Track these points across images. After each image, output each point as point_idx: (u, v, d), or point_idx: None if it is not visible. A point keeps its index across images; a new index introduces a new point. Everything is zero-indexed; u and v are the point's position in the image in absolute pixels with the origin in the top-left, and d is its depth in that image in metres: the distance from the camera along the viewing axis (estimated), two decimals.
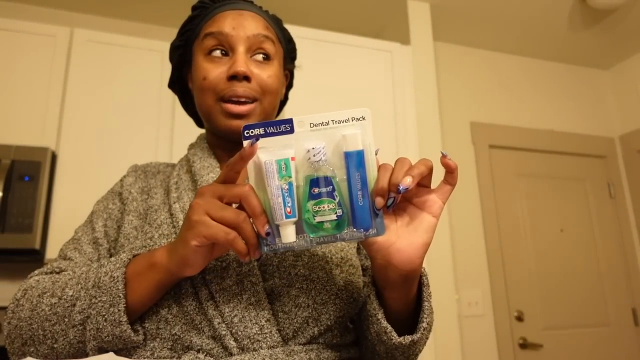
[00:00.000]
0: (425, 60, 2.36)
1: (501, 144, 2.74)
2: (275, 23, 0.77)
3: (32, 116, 1.92)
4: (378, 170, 0.51)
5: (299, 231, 0.51)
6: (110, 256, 0.68)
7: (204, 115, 0.72)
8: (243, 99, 0.68)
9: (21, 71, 1.96)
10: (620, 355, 2.65)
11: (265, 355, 0.56)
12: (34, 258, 1.89)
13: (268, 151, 0.50)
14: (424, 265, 0.59)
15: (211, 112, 0.70)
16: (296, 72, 1.87)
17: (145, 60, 2.13)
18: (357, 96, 2.11)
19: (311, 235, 0.51)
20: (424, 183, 0.54)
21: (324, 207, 0.50)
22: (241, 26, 0.70)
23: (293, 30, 2.02)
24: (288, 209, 0.49)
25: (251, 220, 0.51)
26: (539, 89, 2.97)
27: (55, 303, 0.58)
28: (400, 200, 0.54)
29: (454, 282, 2.17)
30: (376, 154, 0.52)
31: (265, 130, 0.50)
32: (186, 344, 0.58)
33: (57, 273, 0.65)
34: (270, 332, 0.58)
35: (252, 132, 0.50)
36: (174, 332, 0.58)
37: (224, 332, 0.57)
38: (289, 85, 0.85)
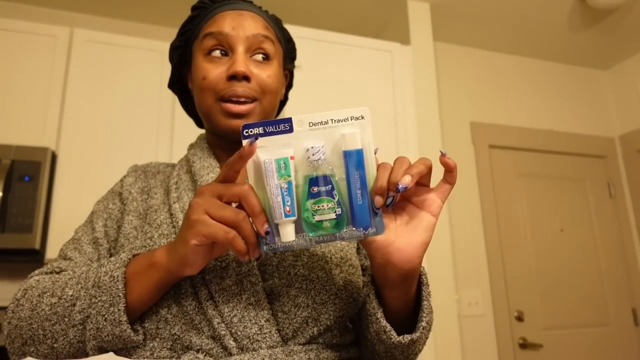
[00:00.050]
0: (425, 60, 2.36)
1: (501, 144, 2.74)
2: (275, 23, 0.77)
3: (32, 116, 1.92)
4: (377, 169, 0.51)
5: (298, 230, 0.51)
6: (111, 256, 0.68)
7: (203, 115, 0.72)
8: (243, 99, 0.68)
9: (21, 71, 1.96)
10: (620, 355, 2.65)
11: (265, 355, 0.56)
12: (34, 258, 1.89)
13: (267, 150, 0.50)
14: (423, 265, 0.59)
15: (211, 112, 0.70)
16: (296, 72, 1.86)
17: (145, 60, 2.13)
18: (357, 96, 2.11)
19: (310, 234, 0.51)
20: (423, 182, 0.54)
21: (323, 206, 0.50)
22: (241, 26, 0.70)
23: (293, 30, 2.02)
24: (287, 208, 0.49)
25: (251, 220, 0.51)
26: (539, 89, 2.97)
27: (55, 303, 0.58)
28: (399, 200, 0.54)
29: (454, 282, 2.17)
30: (375, 153, 0.52)
31: (264, 130, 0.50)
32: (186, 344, 0.58)
33: (57, 273, 0.65)
34: (270, 332, 0.58)
35: (251, 131, 0.50)
36: (173, 332, 0.58)
37: (223, 332, 0.57)
38: (289, 85, 0.85)
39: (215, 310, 0.58)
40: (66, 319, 0.57)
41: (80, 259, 0.68)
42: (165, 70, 2.12)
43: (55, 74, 1.99)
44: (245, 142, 0.50)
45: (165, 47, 2.14)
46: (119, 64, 2.09)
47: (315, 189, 0.50)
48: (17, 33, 1.99)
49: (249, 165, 0.51)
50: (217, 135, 0.74)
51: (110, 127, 2.01)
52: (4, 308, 1.82)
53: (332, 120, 0.51)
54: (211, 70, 0.69)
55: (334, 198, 0.50)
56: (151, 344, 0.59)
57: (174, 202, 0.67)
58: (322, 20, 2.56)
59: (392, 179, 0.50)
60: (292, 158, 0.50)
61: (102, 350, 0.57)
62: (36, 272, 0.67)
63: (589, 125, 3.02)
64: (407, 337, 0.57)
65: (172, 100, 2.11)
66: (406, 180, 0.49)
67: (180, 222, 0.64)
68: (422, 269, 0.59)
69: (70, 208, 1.87)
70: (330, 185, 0.50)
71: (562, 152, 2.87)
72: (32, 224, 1.77)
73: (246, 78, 0.68)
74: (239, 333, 0.57)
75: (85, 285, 0.58)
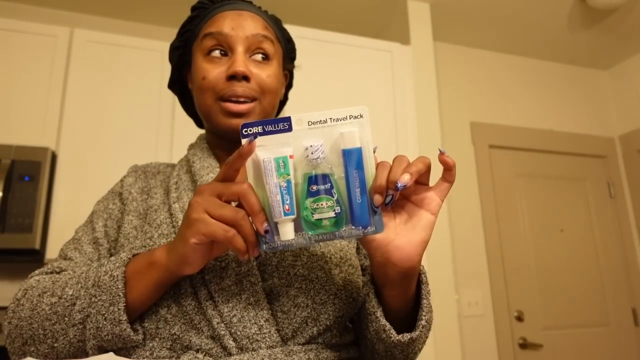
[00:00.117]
0: (425, 60, 2.36)
1: (501, 144, 2.74)
2: (275, 23, 0.77)
3: (32, 116, 1.92)
4: (376, 168, 0.52)
5: (297, 229, 0.51)
6: (111, 256, 0.69)
7: (203, 114, 0.72)
8: (242, 99, 0.68)
9: (21, 71, 1.96)
10: (620, 355, 2.65)
11: (264, 355, 0.56)
12: (34, 258, 1.89)
13: (266, 149, 0.50)
14: (422, 264, 0.59)
15: (211, 112, 0.70)
16: (296, 72, 1.86)
17: (145, 60, 2.13)
18: (357, 96, 2.11)
19: (309, 233, 0.51)
20: (422, 180, 0.54)
21: (322, 205, 0.50)
22: (240, 26, 0.70)
23: (293, 30, 2.02)
24: (286, 207, 0.49)
25: (250, 219, 0.51)
26: (539, 89, 2.97)
27: (55, 302, 0.58)
28: (398, 198, 0.54)
29: (454, 282, 2.17)
30: (374, 152, 0.52)
31: (263, 129, 0.51)
32: (185, 344, 0.58)
33: (58, 273, 0.66)
34: (269, 332, 0.58)
35: (250, 130, 0.51)
36: (173, 331, 0.58)
37: (223, 332, 0.57)
38: (289, 85, 0.85)
39: (215, 310, 0.58)
40: (66, 319, 0.57)
41: (80, 259, 0.68)
42: (165, 70, 2.12)
43: (55, 74, 1.99)
44: (244, 141, 0.50)
45: (165, 47, 2.14)
46: (119, 64, 2.09)
47: (314, 187, 0.50)
48: (17, 33, 1.99)
49: (249, 164, 0.51)
50: (217, 135, 0.74)
51: (110, 127, 2.01)
52: (4, 308, 1.83)
53: (331, 119, 0.51)
54: (211, 70, 0.69)
55: (333, 196, 0.50)
56: (151, 344, 0.59)
57: (174, 202, 0.67)
58: (322, 20, 2.56)
59: (391, 177, 0.50)
60: (291, 157, 0.50)
61: (101, 349, 0.58)
62: (36, 272, 0.67)
63: (589, 125, 3.02)
64: (406, 336, 0.57)
65: (172, 100, 2.11)
66: (405, 179, 0.49)
67: (180, 222, 0.64)
68: (421, 267, 0.60)
69: (70, 208, 1.87)
70: (329, 184, 0.50)
71: (562, 152, 2.87)
72: (32, 224, 1.77)
73: (246, 78, 0.68)
74: (239, 333, 0.57)
75: (85, 284, 0.58)
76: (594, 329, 2.64)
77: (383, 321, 0.57)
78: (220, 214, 0.51)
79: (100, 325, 0.55)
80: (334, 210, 0.50)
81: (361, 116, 0.51)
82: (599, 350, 2.61)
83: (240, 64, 0.67)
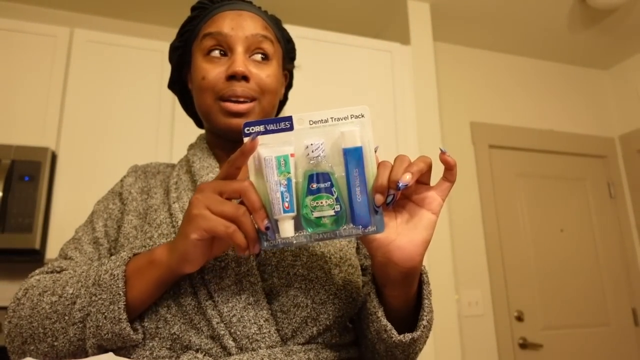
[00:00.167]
0: (425, 60, 2.36)
1: (501, 144, 2.74)
2: (274, 23, 0.77)
3: (32, 116, 1.92)
4: (377, 168, 0.52)
5: (298, 227, 0.51)
6: (111, 256, 0.69)
7: (203, 114, 0.72)
8: (242, 99, 0.68)
9: (21, 71, 1.96)
10: (620, 355, 2.65)
11: (264, 355, 0.56)
12: (34, 258, 1.89)
13: (268, 147, 0.51)
14: (423, 264, 0.59)
15: (210, 112, 0.70)
16: (296, 72, 1.86)
17: (145, 61, 2.13)
18: (357, 96, 2.11)
19: (309, 230, 0.51)
20: (423, 180, 0.54)
21: (322, 203, 0.50)
22: (240, 26, 0.70)
23: (293, 30, 2.02)
24: (286, 204, 0.49)
25: (251, 216, 0.51)
26: (539, 89, 2.97)
27: (55, 301, 0.58)
28: (399, 198, 0.54)
29: (454, 282, 2.17)
30: (375, 152, 0.52)
31: (265, 128, 0.51)
32: (185, 344, 0.58)
33: (58, 272, 0.66)
34: (269, 331, 0.58)
35: (252, 129, 0.51)
36: (172, 331, 0.58)
37: (222, 332, 0.57)
38: (289, 85, 0.85)
39: (215, 310, 0.58)
40: (66, 317, 0.57)
41: (80, 259, 0.68)
42: (165, 70, 2.12)
43: (55, 74, 1.99)
44: (246, 139, 0.50)
45: (165, 47, 2.14)
46: (119, 64, 2.09)
47: (314, 185, 0.50)
48: (17, 33, 1.99)
49: (250, 162, 0.51)
50: (216, 135, 0.74)
51: (110, 127, 2.01)
52: (4, 308, 1.82)
53: (332, 118, 0.51)
54: (210, 70, 0.69)
55: (332, 195, 0.50)
56: (150, 344, 0.59)
57: (174, 202, 0.67)
58: (322, 20, 2.56)
59: (393, 177, 0.50)
60: (292, 155, 0.50)
61: (101, 348, 0.58)
62: (37, 271, 0.67)
63: (589, 125, 3.02)
64: (408, 336, 0.57)
65: (172, 100, 2.11)
66: (406, 178, 0.49)
67: (180, 222, 0.64)
68: (422, 267, 0.60)
69: (70, 208, 1.87)
70: (329, 182, 0.50)
71: (562, 152, 2.87)
72: (32, 224, 1.77)
73: (245, 78, 0.68)
74: (238, 333, 0.57)
75: (85, 283, 0.58)
76: (594, 329, 2.64)
77: (384, 321, 0.57)
78: (221, 210, 0.51)
79: (100, 324, 0.55)
80: (334, 208, 0.50)
81: (362, 116, 0.51)
82: (599, 350, 2.61)
83: (240, 64, 0.68)
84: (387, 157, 0.54)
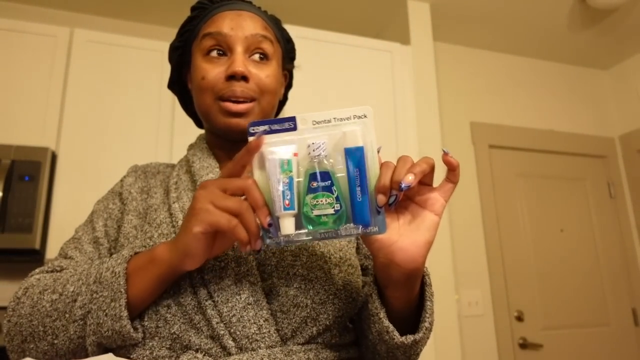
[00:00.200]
0: (425, 60, 2.36)
1: (501, 144, 2.74)
2: (274, 23, 0.77)
3: (32, 116, 1.92)
4: (380, 168, 0.52)
5: (299, 226, 0.52)
6: (111, 255, 0.69)
7: (202, 114, 0.73)
8: (241, 99, 0.68)
9: (21, 71, 1.96)
10: (620, 355, 2.65)
11: (264, 355, 0.56)
12: (34, 258, 1.89)
13: (271, 147, 0.52)
14: (426, 265, 0.59)
15: (210, 111, 0.70)
16: (296, 72, 1.86)
17: (145, 60, 2.13)
18: (357, 96, 2.11)
19: (309, 228, 0.51)
20: (425, 181, 0.54)
21: (321, 201, 0.51)
22: (239, 26, 0.70)
23: (293, 30, 2.02)
24: (287, 202, 0.50)
25: (254, 214, 0.52)
26: (539, 89, 2.97)
27: (56, 299, 0.58)
28: (402, 199, 0.54)
29: (454, 282, 2.17)
30: (378, 152, 0.52)
31: (270, 128, 0.52)
32: (185, 343, 0.58)
33: (58, 271, 0.66)
34: (269, 331, 0.58)
35: (257, 129, 0.52)
36: (172, 331, 0.58)
37: (222, 332, 0.57)
38: (289, 86, 0.85)
39: (214, 309, 0.58)
40: (67, 315, 0.57)
41: (81, 258, 0.68)
42: (165, 70, 2.12)
43: (55, 74, 1.99)
44: (251, 139, 0.51)
45: (165, 47, 2.14)
46: (119, 64, 2.09)
47: (315, 184, 0.51)
48: (17, 33, 1.99)
49: (254, 161, 0.52)
50: (216, 135, 0.74)
51: (110, 127, 2.01)
52: (4, 308, 1.83)
53: (335, 118, 0.52)
54: (210, 71, 0.69)
55: (332, 193, 0.51)
56: (150, 343, 0.59)
57: (174, 202, 0.67)
58: (322, 20, 2.56)
59: (395, 177, 0.50)
60: (295, 155, 0.51)
61: (101, 346, 0.58)
62: (37, 270, 0.67)
63: (589, 125, 3.02)
64: (410, 338, 0.57)
65: (172, 100, 2.11)
66: (409, 179, 0.49)
67: (180, 222, 0.64)
68: (425, 269, 0.59)
69: (70, 208, 1.87)
70: (329, 181, 0.51)
71: (562, 152, 2.87)
72: (32, 224, 1.77)
73: (244, 78, 0.68)
74: (238, 333, 0.57)
75: (86, 281, 0.58)
76: (594, 329, 2.64)
77: (386, 322, 0.57)
78: (224, 204, 0.52)
79: (101, 321, 0.56)
80: (333, 207, 0.51)
81: (365, 116, 0.52)
82: (599, 350, 2.61)
83: (239, 64, 0.68)
84: (387, 157, 0.54)
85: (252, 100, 0.69)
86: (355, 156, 0.51)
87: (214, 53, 0.70)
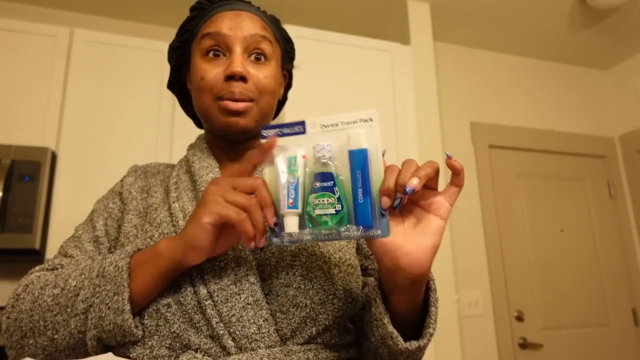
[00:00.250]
0: (425, 60, 2.36)
1: (501, 144, 2.74)
2: (273, 23, 0.77)
3: (32, 116, 1.93)
4: (385, 171, 0.52)
5: (302, 226, 0.53)
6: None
7: (202, 114, 0.73)
8: (240, 100, 0.68)
9: (21, 71, 1.96)
10: (620, 355, 2.65)
11: (263, 355, 0.56)
12: (34, 258, 1.89)
13: (281, 149, 0.55)
14: (431, 270, 0.59)
15: (209, 111, 0.70)
16: (296, 72, 1.86)
17: (145, 60, 2.13)
18: (357, 96, 2.11)
19: (310, 227, 0.53)
20: (430, 185, 0.54)
21: (323, 201, 0.52)
22: (238, 27, 0.70)
23: (293, 30, 2.02)
24: (291, 201, 0.52)
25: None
26: (538, 89, 2.97)
27: (58, 294, 0.59)
28: (407, 203, 0.54)
29: (454, 282, 2.17)
30: (383, 155, 0.53)
31: (280, 132, 0.55)
32: (184, 343, 0.58)
33: (58, 269, 0.66)
34: (268, 331, 0.58)
35: (269, 132, 0.55)
36: (172, 329, 0.58)
37: (222, 332, 0.57)
38: (288, 86, 0.85)
39: (214, 309, 0.58)
40: (69, 309, 0.57)
41: (81, 257, 0.68)
42: (165, 70, 2.12)
43: (55, 74, 1.99)
44: (264, 140, 0.54)
45: (165, 47, 2.14)
46: (119, 64, 2.09)
47: (318, 184, 0.53)
48: (17, 33, 1.99)
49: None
50: (215, 135, 0.74)
51: (110, 127, 2.01)
52: (4, 308, 1.82)
53: (342, 122, 0.54)
54: (209, 71, 0.69)
55: (334, 194, 0.52)
56: (150, 342, 0.59)
57: (174, 202, 0.67)
58: (322, 20, 2.56)
59: (400, 181, 0.50)
60: (303, 157, 0.53)
61: (100, 341, 0.58)
62: (36, 268, 0.67)
63: (589, 125, 3.02)
64: (414, 344, 0.57)
65: (172, 100, 2.11)
66: (414, 183, 0.49)
67: (180, 222, 0.64)
68: (430, 274, 0.59)
69: (70, 208, 1.87)
70: (331, 182, 0.52)
71: (562, 152, 2.87)
72: (32, 224, 1.77)
73: (243, 78, 0.68)
74: (238, 333, 0.57)
75: (89, 275, 0.59)
76: (594, 329, 2.64)
77: (390, 328, 0.57)
78: (234, 199, 0.53)
79: (103, 315, 0.56)
80: (335, 207, 0.52)
81: (371, 120, 0.53)
82: (599, 350, 2.61)
83: (238, 64, 0.68)
84: (387, 157, 0.54)
85: (250, 100, 0.69)
86: (358, 158, 0.52)
87: (213, 53, 0.70)
